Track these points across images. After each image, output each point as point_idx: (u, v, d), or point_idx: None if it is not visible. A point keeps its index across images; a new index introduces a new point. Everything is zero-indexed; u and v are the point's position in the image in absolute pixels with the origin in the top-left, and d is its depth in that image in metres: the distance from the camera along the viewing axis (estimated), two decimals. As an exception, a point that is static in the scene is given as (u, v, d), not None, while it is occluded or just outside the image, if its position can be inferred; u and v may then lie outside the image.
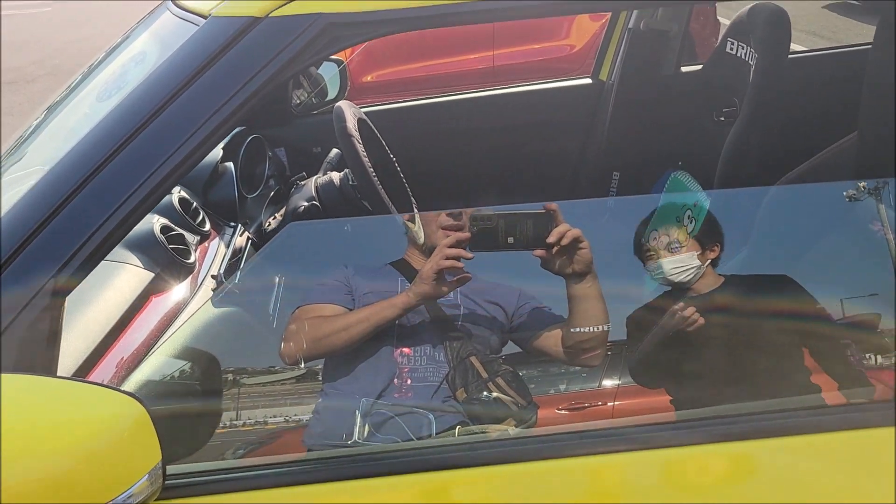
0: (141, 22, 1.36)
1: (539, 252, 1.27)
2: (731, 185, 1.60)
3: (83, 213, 0.85)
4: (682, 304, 1.41)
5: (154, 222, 1.40)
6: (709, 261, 1.54)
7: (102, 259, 0.89)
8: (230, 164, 1.72)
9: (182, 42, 0.93)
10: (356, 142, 1.66)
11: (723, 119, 1.88)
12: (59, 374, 0.91)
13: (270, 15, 0.90)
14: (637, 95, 2.06)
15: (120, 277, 1.28)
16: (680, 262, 1.51)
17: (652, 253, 1.52)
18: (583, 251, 1.30)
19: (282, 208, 1.83)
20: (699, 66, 2.06)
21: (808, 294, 1.30)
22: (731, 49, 1.81)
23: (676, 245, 1.55)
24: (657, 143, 2.00)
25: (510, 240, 1.26)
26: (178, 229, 1.45)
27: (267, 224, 1.79)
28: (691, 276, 1.49)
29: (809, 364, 1.35)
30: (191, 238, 1.49)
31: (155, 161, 0.87)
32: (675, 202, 2.01)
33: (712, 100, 1.94)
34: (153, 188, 0.87)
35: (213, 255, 1.52)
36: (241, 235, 1.62)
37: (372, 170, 1.66)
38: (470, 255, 1.29)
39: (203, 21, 0.95)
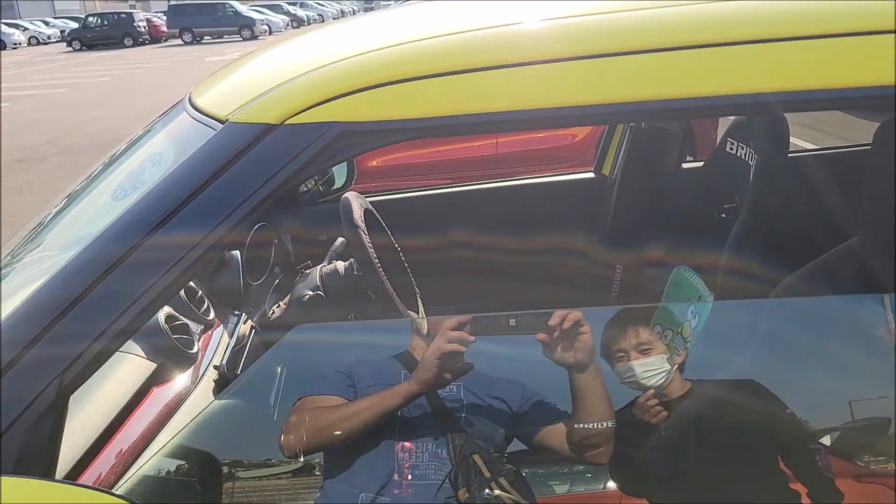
0: (160, 119, 1.40)
1: (541, 336, 1.26)
2: (734, 283, 1.61)
3: (92, 314, 0.86)
4: (645, 398, 1.39)
5: (159, 312, 1.41)
6: (677, 365, 1.51)
7: (109, 358, 0.89)
8: (236, 253, 1.74)
9: (199, 145, 0.96)
10: (362, 233, 1.68)
11: (724, 216, 1.91)
12: (58, 470, 0.90)
13: (286, 122, 0.93)
14: (639, 191, 2.10)
15: (123, 368, 1.28)
16: (650, 364, 1.47)
17: (622, 354, 1.47)
18: (584, 336, 1.29)
19: (286, 296, 1.84)
20: (700, 163, 2.11)
21: (776, 398, 1.29)
22: (731, 149, 1.85)
23: (646, 346, 1.52)
24: (659, 238, 2.03)
25: (512, 322, 1.26)
26: (183, 318, 1.45)
27: (271, 312, 1.79)
28: (662, 380, 1.46)
29: (785, 469, 1.33)
30: (195, 327, 1.49)
31: (169, 261, 0.88)
32: (678, 297, 2.02)
33: (713, 197, 1.97)
34: (166, 288, 0.88)
35: (217, 344, 1.52)
36: (244, 324, 1.62)
37: (377, 260, 1.67)
38: (472, 338, 1.28)
39: (220, 126, 0.98)
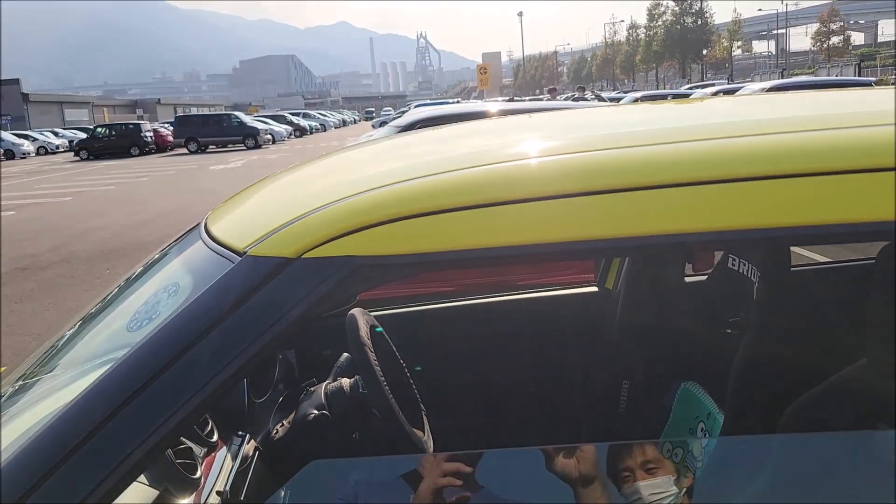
0: (174, 245, 1.41)
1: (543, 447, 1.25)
2: (743, 401, 1.59)
3: (105, 452, 0.85)
4: None
5: None
6: (685, 489, 1.46)
7: (119, 496, 0.87)
8: None
9: (217, 277, 0.97)
10: (368, 350, 1.68)
11: (730, 331, 1.90)
12: None
13: (303, 256, 0.95)
14: (644, 305, 2.10)
15: (125, 496, 1.25)
16: (658, 486, 1.43)
17: (628, 474, 1.43)
18: (587, 447, 1.27)
19: (290, 414, 1.81)
20: (704, 277, 2.12)
21: None
22: (734, 265, 1.87)
23: (653, 465, 1.46)
24: (665, 353, 2.02)
25: None
26: (187, 442, 1.43)
27: (275, 431, 1.76)
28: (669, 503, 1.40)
29: None
30: (198, 450, 1.46)
31: (183, 395, 0.88)
32: (686, 414, 1.99)
33: (718, 312, 1.97)
34: (179, 422, 0.87)
35: (220, 467, 1.48)
36: (248, 444, 1.59)
37: (383, 378, 1.66)
38: (468, 468, 1.26)
39: (238, 258, 1.00)
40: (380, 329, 1.91)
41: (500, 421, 2.16)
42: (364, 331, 1.72)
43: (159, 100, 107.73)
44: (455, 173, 1.01)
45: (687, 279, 2.20)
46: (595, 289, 2.36)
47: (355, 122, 69.93)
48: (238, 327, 0.91)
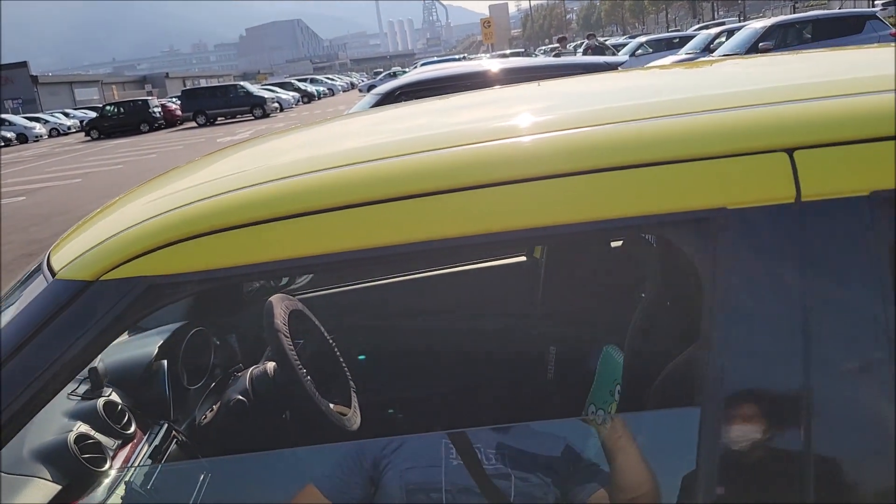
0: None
1: None
2: (633, 366, 1.65)
3: None
4: None
5: (71, 431, 1.47)
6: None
7: None
8: (164, 362, 1.80)
9: (30, 300, 1.05)
10: (283, 336, 1.74)
11: (644, 295, 1.95)
12: None
13: (100, 279, 1.01)
14: (566, 271, 2.15)
15: (24, 493, 1.33)
16: None
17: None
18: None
19: (218, 400, 1.89)
20: (622, 242, 2.17)
21: None
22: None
23: None
24: (589, 318, 2.07)
25: None
26: (97, 436, 1.51)
27: (203, 418, 1.84)
28: None
29: None
30: (110, 443, 1.54)
31: None
32: (607, 377, 2.05)
33: (635, 275, 2.02)
34: None
35: (135, 457, 1.57)
36: (166, 433, 1.67)
37: (298, 361, 1.73)
38: None
39: (49, 281, 1.07)
40: (302, 310, 1.98)
41: (432, 393, 2.24)
42: (280, 317, 1.79)
43: (168, 74, 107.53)
44: (250, 189, 1.06)
45: (613, 244, 2.24)
46: (524, 258, 2.41)
47: (364, 82, 69.24)
48: (42, 348, 0.98)
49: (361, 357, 2.12)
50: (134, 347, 1.88)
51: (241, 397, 1.83)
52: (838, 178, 0.93)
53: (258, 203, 1.02)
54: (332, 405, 1.94)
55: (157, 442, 1.61)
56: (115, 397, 1.67)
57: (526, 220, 0.97)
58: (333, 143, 1.56)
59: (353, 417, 1.91)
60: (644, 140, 1.00)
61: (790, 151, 0.94)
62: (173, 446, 1.64)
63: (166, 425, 1.67)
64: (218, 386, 1.97)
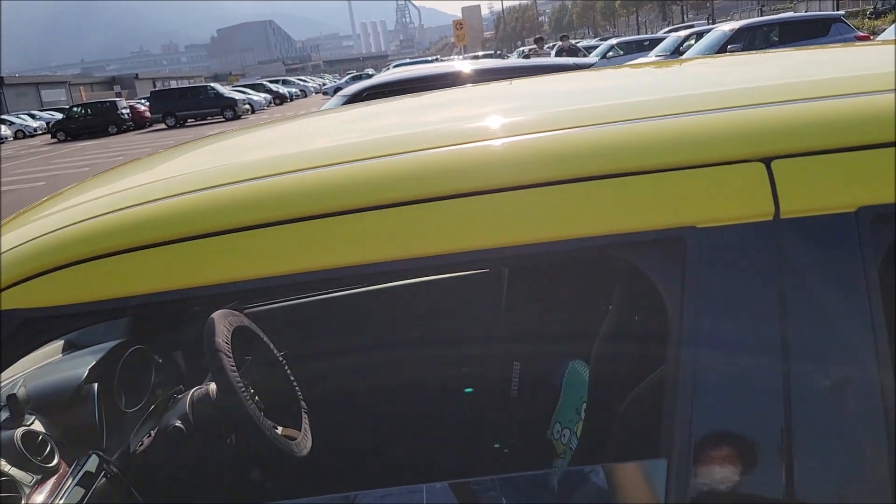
0: None
1: None
2: (599, 383, 1.55)
3: None
4: None
5: None
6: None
7: None
8: (95, 385, 1.66)
9: None
10: (223, 356, 1.62)
11: (611, 307, 1.86)
12: None
13: None
14: (530, 283, 2.05)
15: None
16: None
17: None
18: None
19: (157, 426, 1.75)
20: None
21: None
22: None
23: None
24: (553, 331, 1.97)
25: None
26: (12, 471, 1.37)
27: (139, 445, 1.70)
28: None
29: None
30: (27, 478, 1.40)
31: None
32: (573, 394, 1.95)
33: (602, 287, 1.92)
34: None
35: (58, 493, 1.43)
36: (96, 465, 1.53)
37: (242, 385, 1.60)
38: None
39: None
40: (247, 326, 1.85)
41: (394, 409, 2.12)
42: (222, 336, 1.66)
43: (137, 75, 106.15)
44: (164, 202, 0.94)
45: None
46: (487, 269, 2.30)
47: (335, 82, 68.98)
48: None
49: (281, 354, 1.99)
50: (63, 369, 1.73)
51: (179, 423, 1.70)
52: (822, 191, 0.82)
53: (170, 218, 0.90)
54: (280, 428, 1.82)
55: (82, 475, 1.46)
56: (37, 426, 1.53)
57: (463, 241, 0.86)
58: (272, 147, 1.44)
59: (303, 441, 1.79)
60: (597, 149, 0.89)
61: (767, 161, 0.83)
62: (102, 480, 1.49)
63: (95, 456, 1.53)
64: (157, 409, 1.83)
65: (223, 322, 1.71)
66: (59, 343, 2.02)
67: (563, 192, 0.84)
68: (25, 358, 1.86)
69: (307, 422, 1.89)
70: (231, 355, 1.65)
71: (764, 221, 0.81)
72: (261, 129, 1.77)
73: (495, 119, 1.16)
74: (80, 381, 1.64)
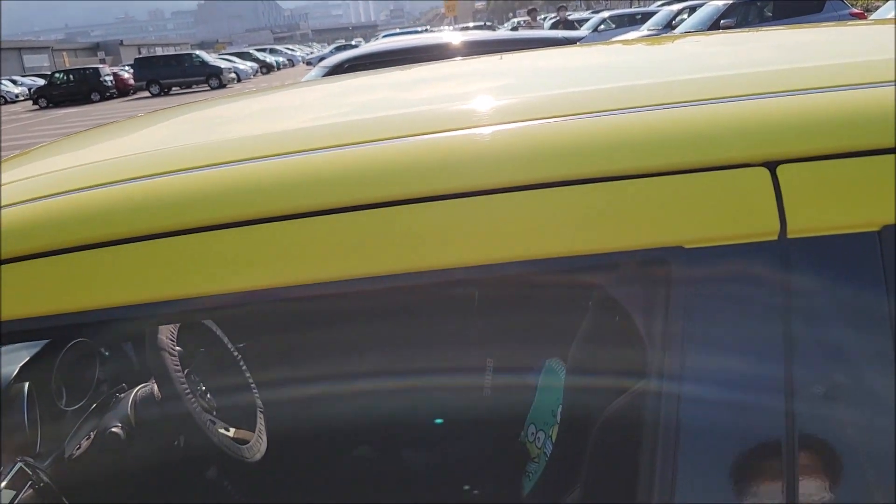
0: None
1: None
2: (578, 380, 1.42)
3: None
4: None
5: None
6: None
7: None
8: (25, 384, 1.52)
9: None
10: (166, 355, 1.48)
11: (590, 304, 1.73)
12: None
13: None
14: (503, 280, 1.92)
15: None
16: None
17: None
18: None
19: (96, 428, 1.62)
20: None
21: None
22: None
23: None
24: (529, 327, 1.84)
25: None
26: None
27: (76, 448, 1.56)
28: None
29: None
30: None
31: None
32: (549, 395, 1.83)
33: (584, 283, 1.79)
34: None
35: None
36: (20, 474, 1.39)
37: (185, 386, 1.47)
38: None
39: None
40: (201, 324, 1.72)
41: (366, 408, 2.00)
42: (166, 332, 1.52)
43: (122, 41, 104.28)
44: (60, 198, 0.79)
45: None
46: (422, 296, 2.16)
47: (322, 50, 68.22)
48: None
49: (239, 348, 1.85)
50: (-9, 367, 1.59)
51: (118, 427, 1.56)
52: (838, 205, 0.66)
53: (56, 220, 0.76)
54: (231, 430, 1.68)
55: (5, 487, 1.32)
56: None
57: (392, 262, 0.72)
58: (225, 127, 1.29)
59: (256, 444, 1.66)
60: (560, 147, 0.73)
61: (772, 166, 0.67)
62: (28, 491, 1.36)
63: (21, 464, 1.39)
64: (99, 408, 1.69)
65: (169, 317, 1.57)
66: None
67: (511, 200, 0.70)
68: None
69: (262, 422, 1.76)
70: (175, 353, 1.51)
71: (767, 241, 0.66)
72: (214, 106, 1.62)
73: (447, 104, 1.01)
74: (9, 380, 1.49)
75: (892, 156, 0.66)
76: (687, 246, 0.67)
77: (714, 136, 0.70)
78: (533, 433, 1.83)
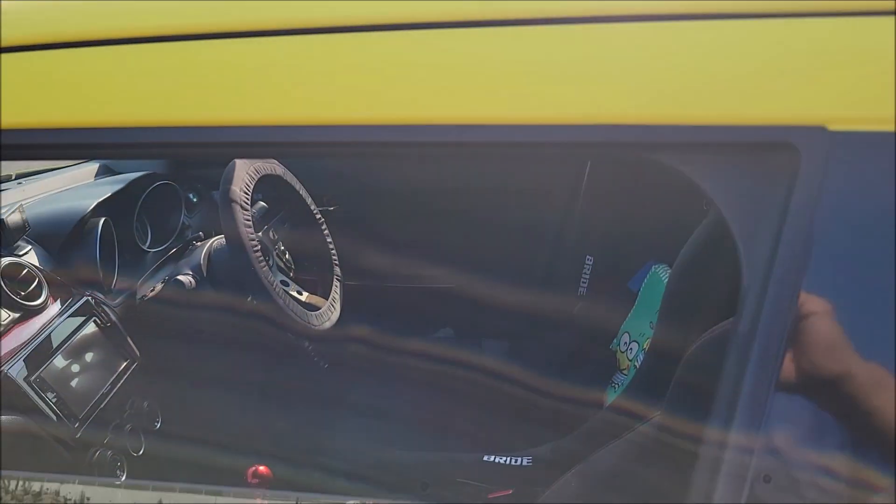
0: None
1: None
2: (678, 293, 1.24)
3: None
4: None
5: None
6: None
7: None
8: (101, 220, 1.48)
9: None
10: (237, 206, 1.39)
11: (706, 207, 1.50)
12: None
13: None
14: (612, 172, 1.70)
15: None
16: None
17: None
18: None
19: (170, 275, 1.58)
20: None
21: None
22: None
23: None
24: (635, 227, 1.64)
25: None
26: None
27: (151, 290, 1.53)
28: None
29: None
30: (3, 316, 1.25)
31: None
32: (650, 304, 1.64)
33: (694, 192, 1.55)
34: None
35: (36, 335, 1.27)
36: (85, 309, 1.36)
37: (255, 245, 1.39)
38: None
39: None
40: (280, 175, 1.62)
41: (436, 286, 1.89)
42: (240, 184, 1.43)
43: None
44: None
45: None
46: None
47: None
48: None
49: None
50: (71, 198, 1.56)
51: (187, 274, 1.51)
52: None
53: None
54: (304, 294, 1.61)
55: (66, 321, 1.30)
56: (31, 257, 1.37)
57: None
58: None
59: (327, 313, 1.58)
60: None
61: None
62: (90, 327, 1.33)
63: (88, 299, 1.36)
64: (176, 254, 1.66)
65: (248, 169, 1.48)
66: (94, 166, 1.86)
67: (578, 33, 0.52)
68: (43, 181, 1.71)
69: (338, 291, 1.68)
70: (248, 207, 1.42)
71: None
72: None
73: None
74: (83, 214, 1.46)
75: None
76: (830, 127, 0.47)
77: None
78: (626, 343, 1.67)
